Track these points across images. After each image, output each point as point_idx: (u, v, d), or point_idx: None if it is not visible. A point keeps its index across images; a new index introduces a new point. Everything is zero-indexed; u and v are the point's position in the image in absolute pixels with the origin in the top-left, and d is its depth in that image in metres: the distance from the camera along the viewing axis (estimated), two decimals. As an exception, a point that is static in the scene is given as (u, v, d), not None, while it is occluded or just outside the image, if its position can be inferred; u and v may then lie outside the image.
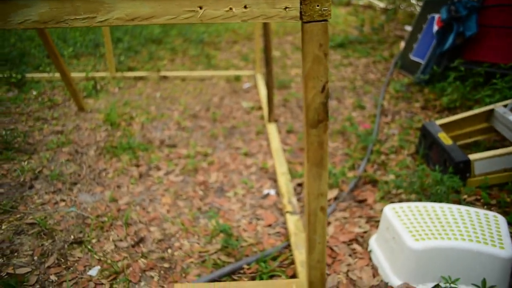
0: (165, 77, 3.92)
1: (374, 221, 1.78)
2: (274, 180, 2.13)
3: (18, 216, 1.84)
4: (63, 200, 1.97)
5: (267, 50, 2.57)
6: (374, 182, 2.08)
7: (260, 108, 3.13)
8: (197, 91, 3.57)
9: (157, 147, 2.50)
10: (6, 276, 1.49)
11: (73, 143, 2.56)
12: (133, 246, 1.65)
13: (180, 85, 3.73)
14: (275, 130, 2.63)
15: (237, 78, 3.87)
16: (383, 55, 4.33)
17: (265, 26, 2.51)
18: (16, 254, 1.61)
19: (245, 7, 0.95)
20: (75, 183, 2.11)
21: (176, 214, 1.86)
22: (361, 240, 1.68)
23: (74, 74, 3.88)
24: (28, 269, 1.53)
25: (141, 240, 1.69)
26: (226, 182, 2.11)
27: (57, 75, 3.86)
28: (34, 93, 3.53)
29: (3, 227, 1.77)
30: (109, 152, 2.42)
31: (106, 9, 0.88)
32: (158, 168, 2.25)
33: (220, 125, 2.82)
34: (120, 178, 2.15)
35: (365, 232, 1.72)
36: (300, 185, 2.07)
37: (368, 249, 1.60)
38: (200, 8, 0.93)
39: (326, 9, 0.96)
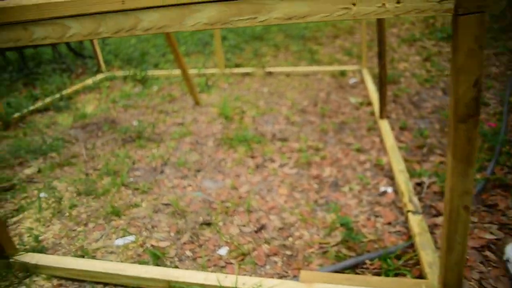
0: (270, 73, 4.05)
1: (508, 229, 1.64)
2: (390, 177, 2.08)
3: (154, 196, 2.09)
4: (190, 185, 2.17)
5: (381, 43, 2.50)
6: (505, 187, 1.90)
7: (369, 103, 3.06)
8: (302, 86, 3.62)
9: (269, 140, 2.61)
10: (151, 247, 1.71)
11: (193, 134, 2.80)
12: (256, 232, 1.76)
13: (285, 81, 3.82)
14: (388, 126, 2.55)
15: (342, 73, 3.83)
16: (507, 46, 3.89)
17: (379, 19, 2.44)
18: (156, 229, 1.83)
19: (398, 1, 0.95)
20: (198, 171, 2.31)
21: (294, 205, 1.93)
22: (494, 247, 1.56)
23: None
24: (167, 243, 1.73)
25: (263, 227, 1.79)
26: (340, 177, 2.12)
27: (174, 72, 4.24)
28: (155, 88, 3.93)
29: (143, 205, 2.02)
30: (226, 143, 2.59)
31: (267, 9, 0.96)
32: (272, 160, 2.35)
33: (329, 120, 2.83)
34: (238, 168, 2.30)
35: (498, 239, 1.59)
36: (419, 184, 1.99)
37: (504, 258, 1.48)
38: (354, 5, 0.95)
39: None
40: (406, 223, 1.73)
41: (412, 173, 2.07)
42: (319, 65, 4.18)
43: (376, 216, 1.80)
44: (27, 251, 1.73)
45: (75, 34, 1.04)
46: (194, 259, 1.63)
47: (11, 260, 1.64)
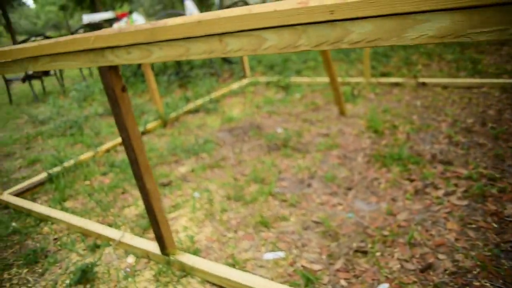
0: (423, 84, 3.65)
1: None
2: None
3: (302, 211, 2.00)
4: (340, 204, 2.02)
5: None
6: None
7: (560, 127, 2.48)
8: (464, 101, 3.16)
9: (429, 161, 2.30)
10: (301, 268, 1.62)
11: (340, 147, 2.65)
12: (421, 271, 1.53)
13: (442, 94, 3.39)
14: None
15: (517, 88, 3.23)
16: None
17: None
18: (306, 248, 1.74)
19: None
20: (349, 188, 2.15)
21: (468, 245, 1.62)
22: None
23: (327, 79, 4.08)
24: (319, 267, 1.62)
25: (429, 266, 1.54)
26: (530, 219, 1.73)
27: (317, 80, 4.16)
28: (298, 96, 3.90)
29: (292, 219, 1.96)
30: (377, 161, 2.38)
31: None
32: (435, 187, 2.05)
33: (506, 144, 2.37)
34: (393, 191, 2.07)
35: None
36: None
37: None
38: None
39: None
40: None
41: None
42: (484, 77, 3.61)
43: None
44: (183, 250, 1.81)
45: (270, 47, 0.99)
46: (350, 291, 1.48)
47: (171, 257, 1.73)
